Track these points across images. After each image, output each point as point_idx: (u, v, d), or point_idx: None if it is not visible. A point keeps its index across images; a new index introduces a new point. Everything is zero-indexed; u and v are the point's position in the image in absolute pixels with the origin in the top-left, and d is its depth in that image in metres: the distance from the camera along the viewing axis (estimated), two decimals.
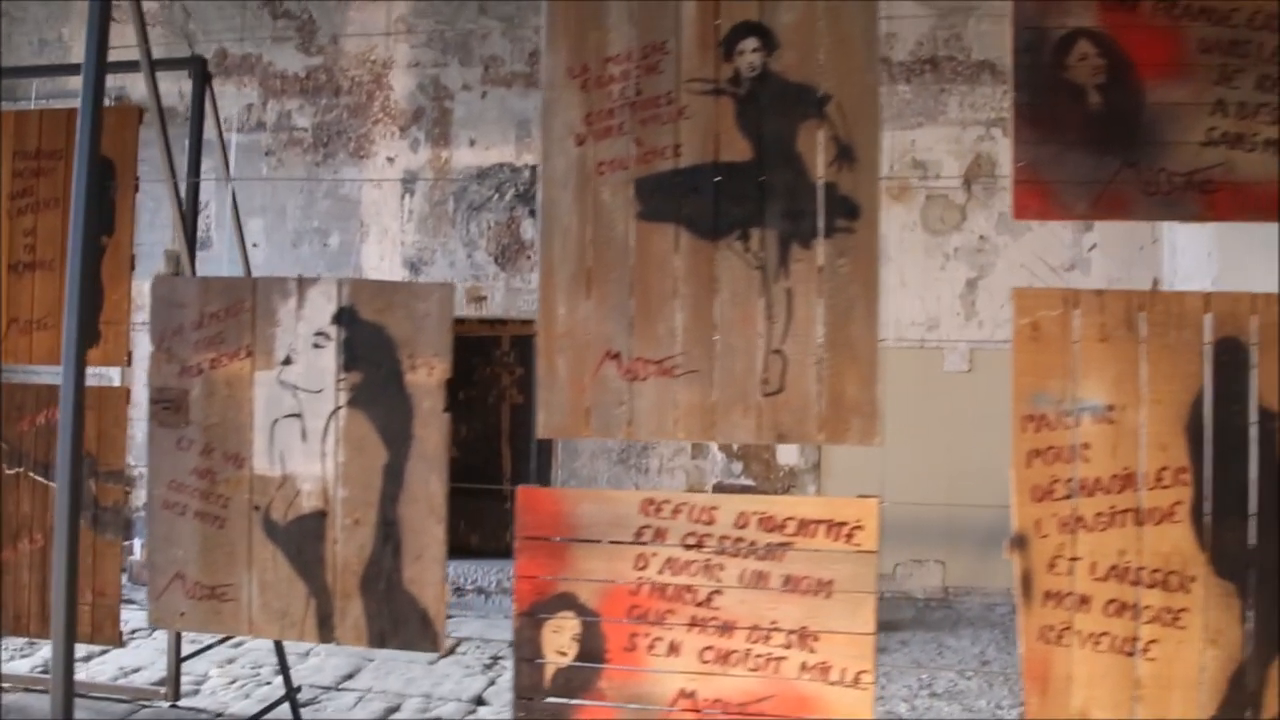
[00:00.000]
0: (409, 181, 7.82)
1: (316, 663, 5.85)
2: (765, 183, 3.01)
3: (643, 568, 3.06)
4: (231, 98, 7.94)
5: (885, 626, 7.01)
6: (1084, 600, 2.88)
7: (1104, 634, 2.87)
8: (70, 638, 3.38)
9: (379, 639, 3.30)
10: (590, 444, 7.59)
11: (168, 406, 3.40)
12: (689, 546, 3.03)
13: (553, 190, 3.13)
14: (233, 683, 5.55)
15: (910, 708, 5.47)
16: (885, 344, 2.98)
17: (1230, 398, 2.84)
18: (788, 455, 7.56)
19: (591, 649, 3.10)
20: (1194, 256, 6.79)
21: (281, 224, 7.94)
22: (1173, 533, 2.86)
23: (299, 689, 5.04)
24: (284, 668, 4.87)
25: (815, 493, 7.50)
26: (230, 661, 5.86)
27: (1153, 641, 2.86)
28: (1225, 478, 2.85)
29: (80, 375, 3.42)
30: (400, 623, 3.27)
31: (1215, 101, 2.88)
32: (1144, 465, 2.87)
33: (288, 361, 3.33)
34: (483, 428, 8.07)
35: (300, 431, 3.32)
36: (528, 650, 3.14)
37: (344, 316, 3.28)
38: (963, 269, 7.41)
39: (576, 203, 3.11)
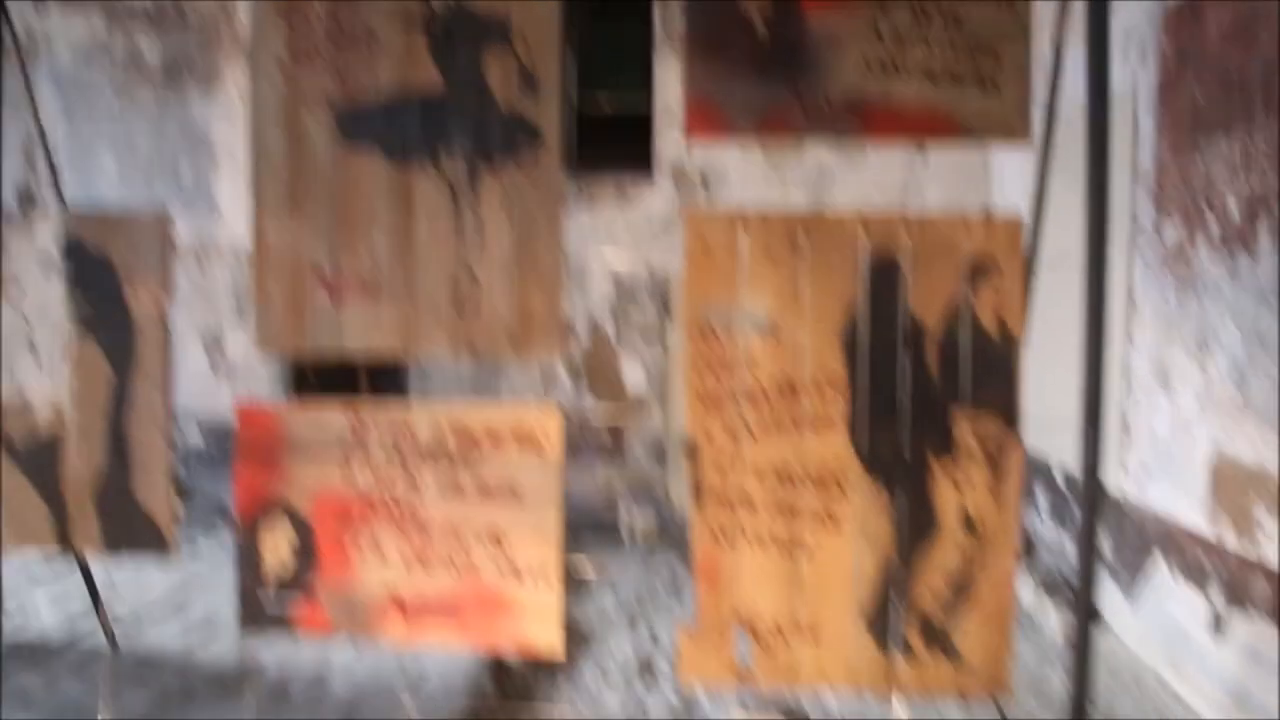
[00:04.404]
0: None
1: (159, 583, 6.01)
2: (455, 109, 3.15)
3: (350, 477, 3.24)
4: (78, 30, 7.88)
5: None
6: (750, 503, 3.10)
7: (768, 534, 3.10)
8: None
9: (114, 546, 3.46)
10: (442, 372, 7.73)
11: None
12: (391, 456, 3.21)
13: (260, 120, 3.25)
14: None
15: None
16: None
17: (883, 314, 3.05)
18: (637, 386, 7.75)
19: (307, 555, 3.28)
20: (1018, 184, 7.01)
21: (133, 158, 7.93)
22: (830, 439, 3.07)
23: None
24: (91, 589, 5.01)
25: (662, 422, 7.71)
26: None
27: (813, 540, 3.09)
28: (877, 387, 3.06)
29: None
30: (133, 531, 3.43)
31: (873, 31, 3.04)
32: (805, 377, 3.07)
33: (22, 292, 3.44)
34: None
35: (35, 358, 3.44)
36: (249, 558, 3.32)
37: (71, 248, 3.40)
38: (801, 197, 7.57)
39: (283, 132, 3.23)
